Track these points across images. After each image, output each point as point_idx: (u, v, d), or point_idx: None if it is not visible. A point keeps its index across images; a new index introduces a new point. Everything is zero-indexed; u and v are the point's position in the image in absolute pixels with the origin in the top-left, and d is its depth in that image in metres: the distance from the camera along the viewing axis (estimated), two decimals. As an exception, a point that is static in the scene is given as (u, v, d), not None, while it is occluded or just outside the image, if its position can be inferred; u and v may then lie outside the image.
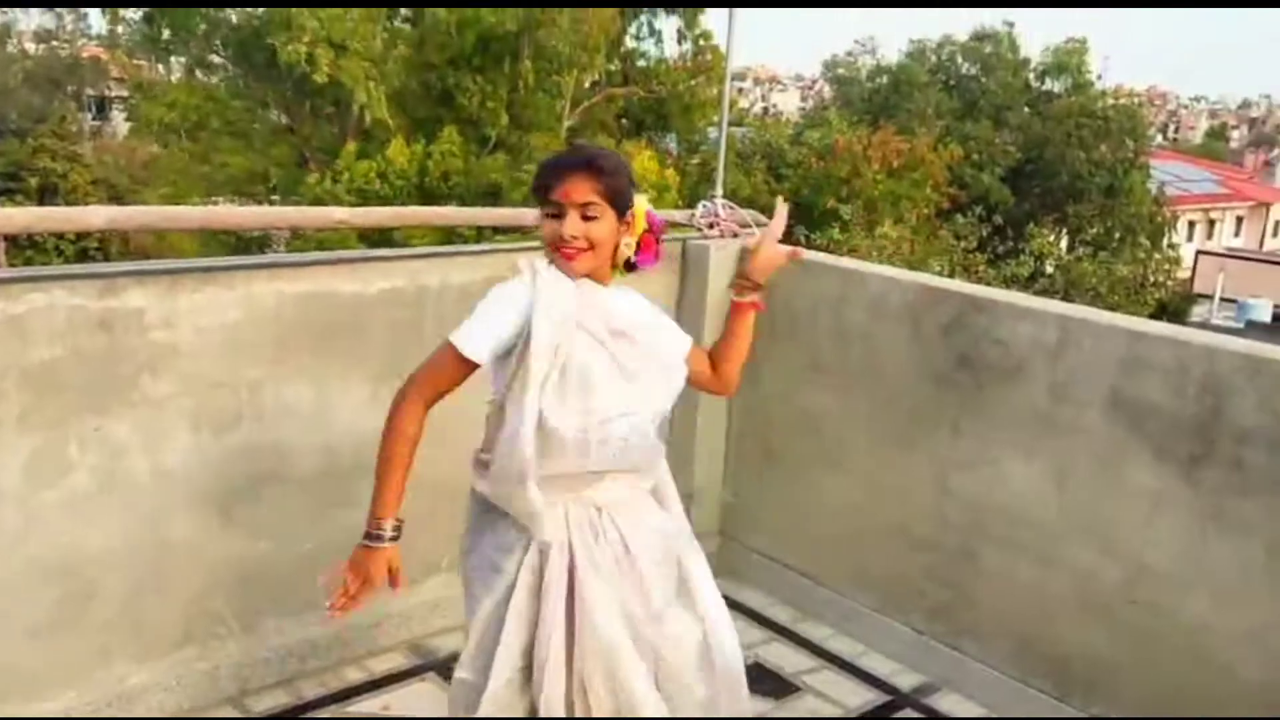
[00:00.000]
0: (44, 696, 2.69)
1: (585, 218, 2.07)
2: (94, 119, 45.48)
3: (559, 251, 2.09)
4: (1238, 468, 2.59)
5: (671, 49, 28.89)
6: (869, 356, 3.44)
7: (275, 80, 25.15)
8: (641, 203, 2.18)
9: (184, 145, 26.01)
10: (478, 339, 2.08)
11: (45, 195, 26.19)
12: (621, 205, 2.11)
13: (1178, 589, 2.73)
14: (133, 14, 26.06)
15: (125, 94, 39.98)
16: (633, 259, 2.18)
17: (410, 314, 3.19)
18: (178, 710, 2.90)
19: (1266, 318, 25.03)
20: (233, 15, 25.68)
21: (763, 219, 4.02)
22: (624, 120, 29.16)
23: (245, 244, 21.81)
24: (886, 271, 3.51)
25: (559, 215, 2.07)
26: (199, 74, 27.28)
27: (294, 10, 22.99)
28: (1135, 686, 2.85)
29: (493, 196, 22.09)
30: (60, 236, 21.90)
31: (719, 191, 3.87)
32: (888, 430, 3.40)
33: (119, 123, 43.28)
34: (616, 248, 2.14)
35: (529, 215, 3.61)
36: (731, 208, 3.88)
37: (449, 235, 18.97)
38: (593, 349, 2.09)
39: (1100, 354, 2.83)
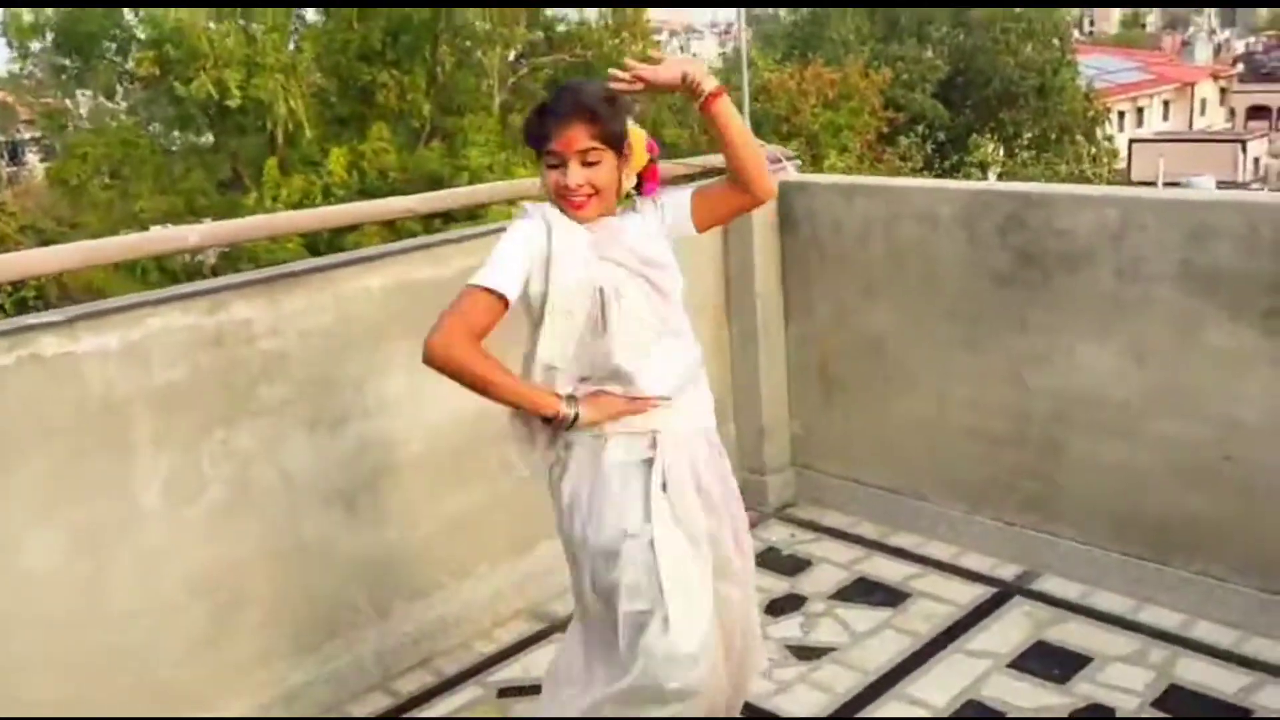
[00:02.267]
0: (213, 707, 2.76)
1: (586, 164, 2.08)
2: (8, 165, 44.30)
3: (565, 201, 2.10)
4: (1316, 316, 2.74)
5: (591, 10, 28.73)
6: (924, 270, 3.54)
7: (191, 101, 24.71)
8: (638, 133, 2.17)
9: (97, 183, 25.35)
10: (507, 275, 2.07)
11: (-30, 249, 25.48)
12: (619, 144, 2.11)
13: (1269, 441, 2.88)
14: (41, 45, 25.40)
15: (38, 135, 38.95)
16: (635, 191, 2.22)
17: (487, 290, 3.24)
18: (336, 700, 2.98)
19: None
20: (140, 32, 25.11)
21: (790, 153, 4.11)
22: (552, 88, 28.97)
23: (174, 275, 21.23)
24: (933, 183, 3.62)
25: (559, 165, 2.08)
26: (111, 104, 26.71)
27: (196, 39, 22.60)
28: (1237, 539, 3.01)
29: (435, 187, 21.96)
30: (-6, 286, 21.38)
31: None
32: (953, 338, 3.51)
33: (35, 165, 42.22)
34: (619, 185, 2.15)
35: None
36: (762, 145, 3.95)
37: (397, 232, 18.84)
38: (630, 279, 2.14)
39: (1165, 230, 2.96)
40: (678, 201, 2.26)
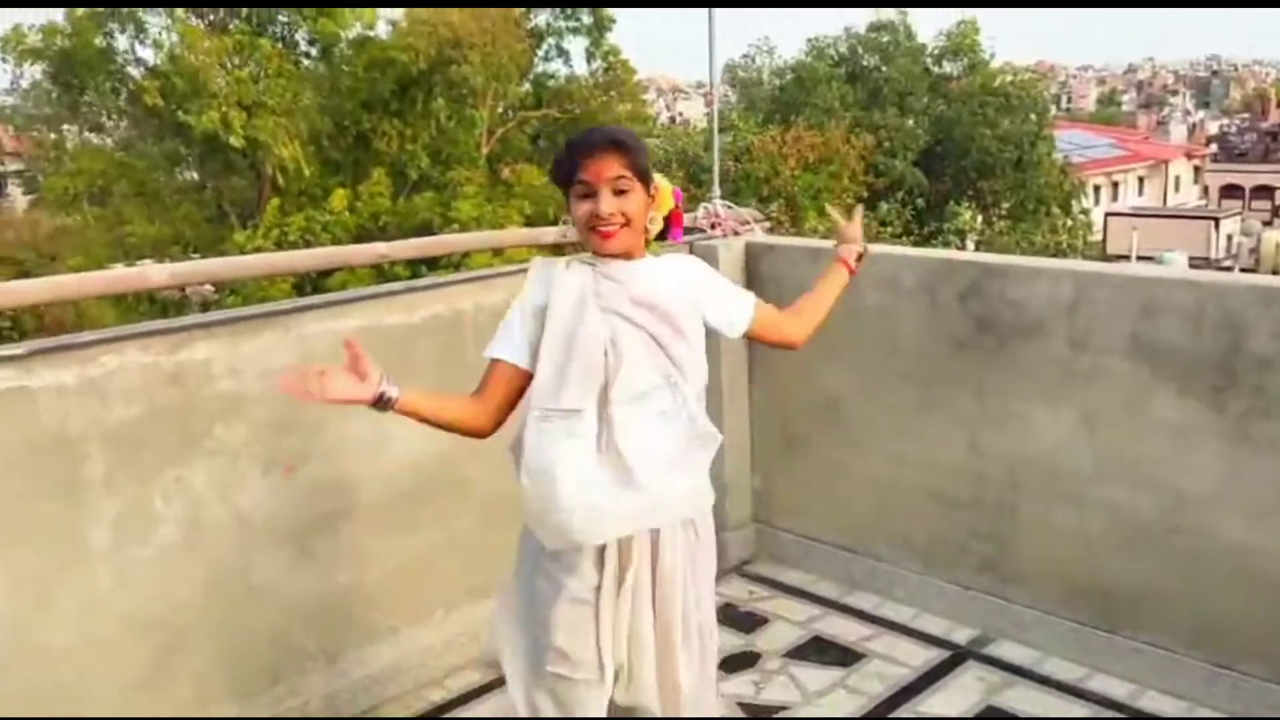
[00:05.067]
0: (150, 750, 2.72)
1: (617, 193, 2.08)
2: (-9, 196, 44.26)
3: (595, 232, 2.09)
4: (1261, 393, 2.80)
5: (581, 68, 29.18)
6: (884, 333, 3.60)
7: (184, 139, 24.88)
8: (663, 179, 2.22)
9: (93, 211, 25.59)
10: (496, 341, 2.17)
11: (-48, 277, 25.36)
12: (647, 180, 2.13)
13: (1216, 513, 2.92)
14: (35, 74, 25.60)
15: (21, 167, 39.03)
16: (664, 231, 2.24)
17: (451, 338, 3.27)
18: (279, 748, 2.94)
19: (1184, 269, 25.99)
20: (134, 71, 25.38)
21: (759, 215, 4.18)
22: (539, 141, 29.30)
23: (164, 307, 21.31)
24: (895, 250, 3.69)
25: (590, 195, 2.08)
26: (95, 139, 26.87)
27: (202, 75, 22.91)
28: (1183, 610, 3.04)
29: (424, 233, 22.09)
30: (-26, 318, 21.21)
31: (717, 193, 4.02)
32: (910, 401, 3.56)
33: (17, 197, 42.23)
34: (646, 224, 2.16)
35: (548, 234, 3.73)
36: (730, 207, 4.03)
37: (384, 276, 18.95)
38: (632, 331, 2.09)
39: (1116, 303, 3.02)
40: (740, 302, 2.32)
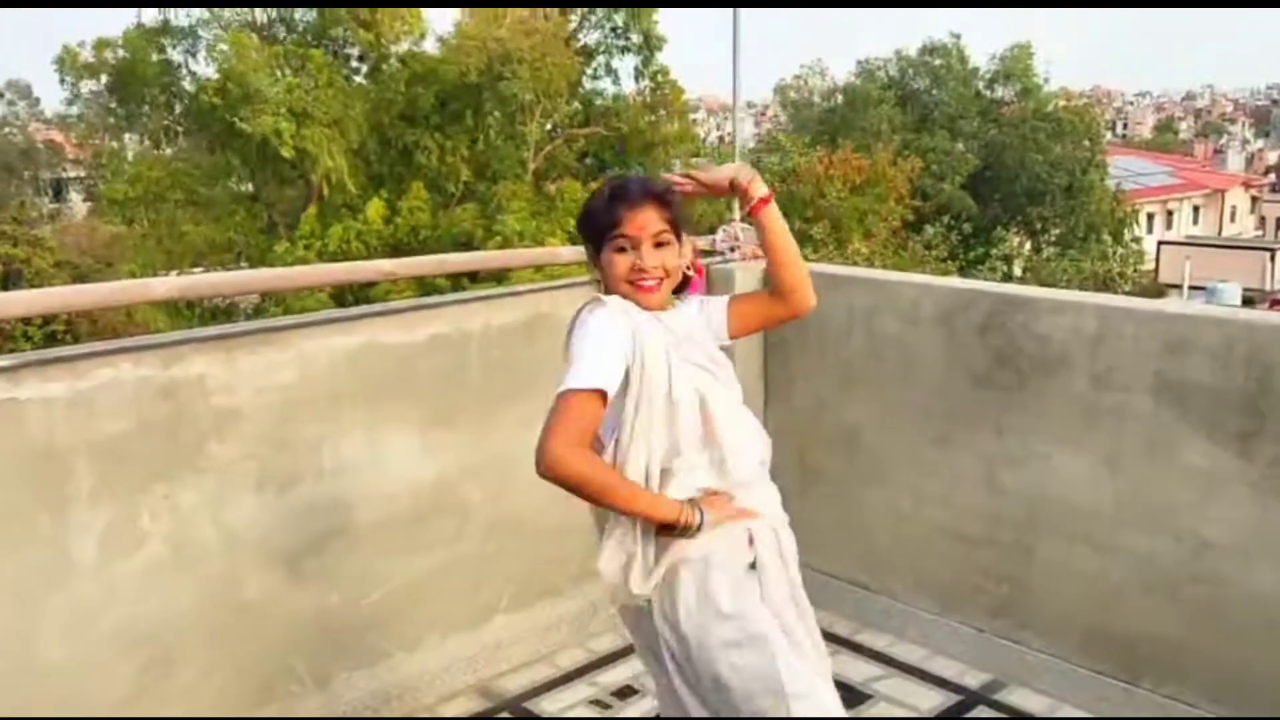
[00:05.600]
0: (133, 770, 2.68)
1: (658, 245, 2.05)
2: (51, 202, 45.35)
3: (635, 285, 2.05)
4: (1291, 438, 2.66)
5: (630, 86, 29.28)
6: (903, 365, 3.49)
7: (236, 148, 25.37)
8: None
9: (149, 217, 26.21)
10: (608, 370, 1.94)
11: (9, 281, 26.05)
12: (680, 232, 2.10)
13: (1242, 563, 2.78)
14: (93, 86, 26.31)
15: (81, 174, 40.01)
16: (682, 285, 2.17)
17: (455, 358, 3.23)
18: (264, 772, 2.89)
19: (1237, 301, 25.42)
20: (189, 85, 25.96)
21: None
22: (586, 159, 29.42)
23: (212, 314, 21.73)
24: (917, 279, 3.59)
25: (630, 248, 2.04)
26: (155, 147, 27.48)
27: (253, 82, 23.38)
28: (1206, 663, 2.90)
29: (465, 247, 22.21)
30: (27, 321, 21.70)
31: (736, 215, 3.94)
32: (929, 435, 3.45)
33: (77, 203, 43.24)
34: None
35: (563, 254, 3.67)
36: (749, 229, 3.94)
37: (425, 287, 19.13)
38: (714, 382, 2.09)
39: (1142, 339, 2.90)
40: (715, 307, 2.22)
